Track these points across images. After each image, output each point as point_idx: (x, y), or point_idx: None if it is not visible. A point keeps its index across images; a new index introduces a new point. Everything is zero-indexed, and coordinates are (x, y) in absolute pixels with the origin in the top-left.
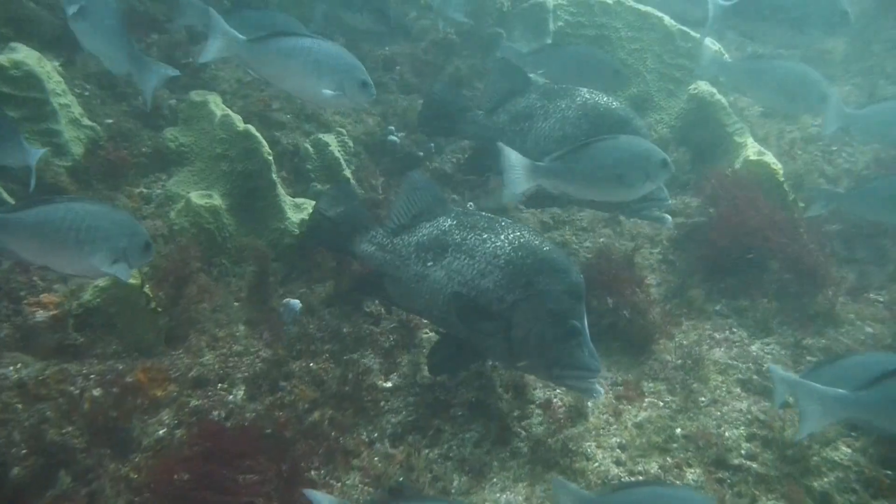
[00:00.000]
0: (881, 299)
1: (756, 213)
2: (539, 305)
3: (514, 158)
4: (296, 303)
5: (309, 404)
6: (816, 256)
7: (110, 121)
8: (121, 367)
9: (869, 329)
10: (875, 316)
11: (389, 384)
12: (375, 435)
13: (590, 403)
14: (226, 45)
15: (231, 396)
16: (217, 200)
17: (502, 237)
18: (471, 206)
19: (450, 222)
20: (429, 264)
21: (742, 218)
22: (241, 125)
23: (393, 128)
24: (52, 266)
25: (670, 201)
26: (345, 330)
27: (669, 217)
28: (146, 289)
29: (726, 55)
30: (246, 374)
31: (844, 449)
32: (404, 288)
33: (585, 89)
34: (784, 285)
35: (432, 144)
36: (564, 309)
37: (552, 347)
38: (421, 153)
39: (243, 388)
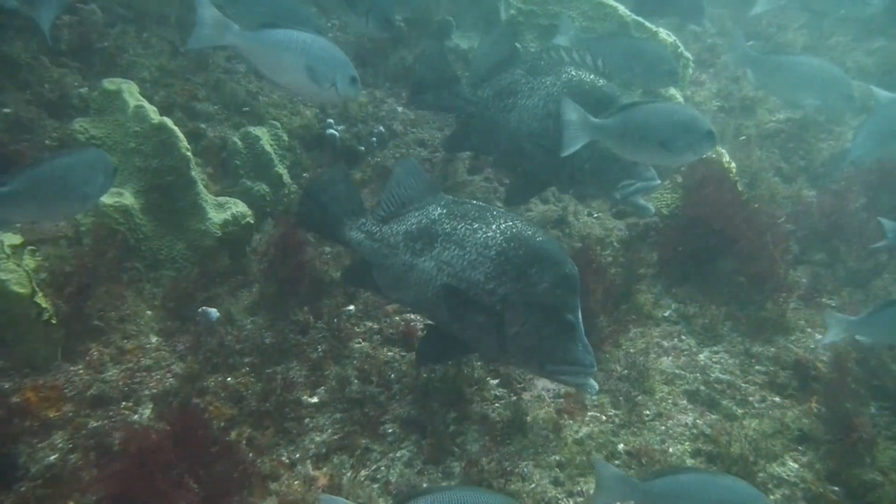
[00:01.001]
0: (833, 304)
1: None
2: (532, 298)
3: (573, 112)
4: (212, 311)
5: (225, 423)
6: (773, 255)
7: (8, 110)
8: (6, 386)
9: (819, 336)
10: (825, 323)
11: (315, 399)
12: (297, 456)
13: (529, 419)
14: (218, 33)
15: (136, 416)
16: (129, 199)
17: (493, 227)
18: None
19: (440, 211)
20: (417, 254)
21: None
22: (155, 117)
23: (332, 120)
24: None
25: (658, 181)
26: (268, 340)
27: (651, 207)
28: (38, 298)
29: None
30: (154, 390)
31: (791, 464)
32: (393, 278)
33: (573, 66)
34: (734, 291)
35: (374, 138)
36: (558, 302)
37: (545, 342)
38: (362, 147)
39: (150, 406)
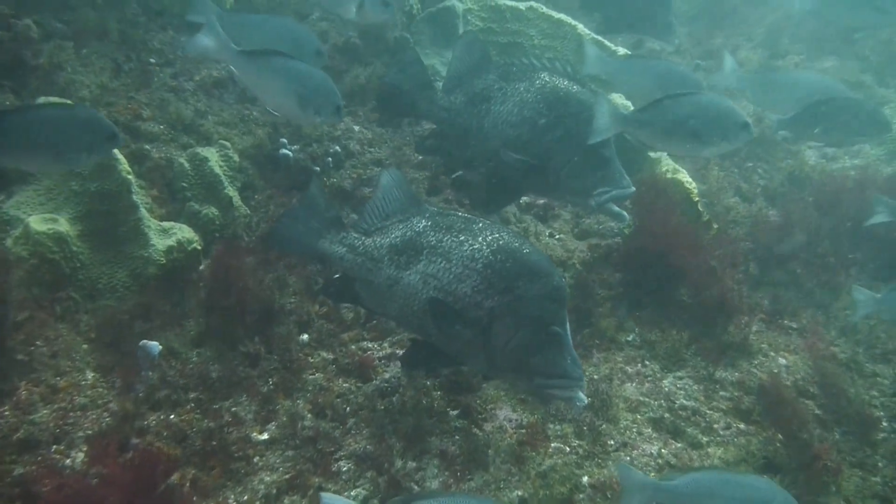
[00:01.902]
0: (794, 325)
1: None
2: (519, 311)
3: (604, 106)
4: (154, 345)
5: (167, 464)
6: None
7: None
8: None
9: (782, 360)
10: (788, 346)
11: (265, 436)
12: (245, 498)
13: (491, 451)
14: (216, 49)
15: (68, 460)
16: (63, 226)
17: (480, 239)
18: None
19: (424, 223)
20: (403, 267)
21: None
22: None
23: (285, 140)
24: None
25: (633, 188)
26: (214, 374)
27: (626, 216)
28: None
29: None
30: (89, 431)
31: None
32: (377, 293)
33: (546, 71)
34: (695, 315)
35: (329, 159)
36: (546, 314)
37: (533, 356)
38: (317, 168)
39: (84, 448)
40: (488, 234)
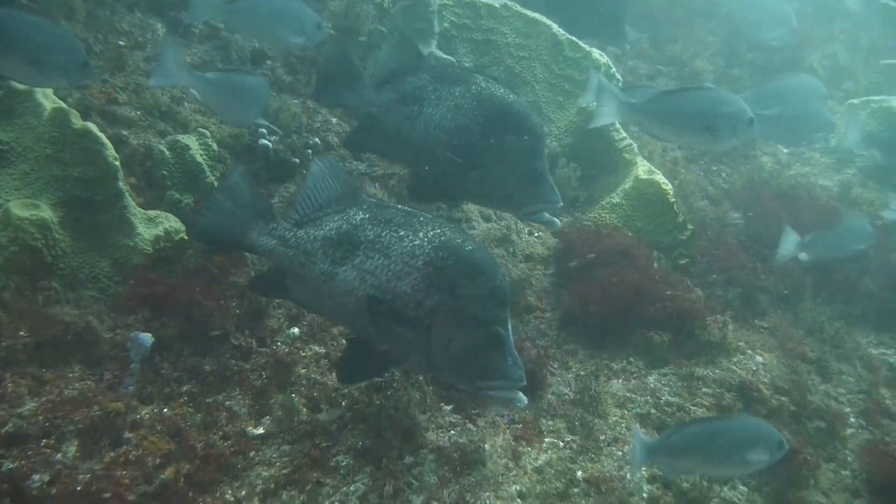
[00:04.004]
0: (765, 325)
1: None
2: (461, 311)
3: (608, 90)
4: (146, 336)
5: (161, 459)
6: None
7: None
8: None
9: (759, 358)
10: (764, 345)
11: (261, 430)
12: (243, 493)
13: (488, 446)
14: (179, 73)
15: (59, 455)
16: (46, 212)
17: (421, 234)
18: None
19: (361, 215)
20: (338, 263)
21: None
22: (78, 122)
23: (264, 130)
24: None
25: (561, 203)
26: (207, 367)
27: (558, 221)
28: None
29: None
30: (80, 425)
31: (741, 488)
32: (310, 288)
33: (482, 76)
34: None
35: (309, 150)
36: (488, 315)
37: (475, 357)
38: (297, 160)
39: (76, 443)
40: (430, 229)
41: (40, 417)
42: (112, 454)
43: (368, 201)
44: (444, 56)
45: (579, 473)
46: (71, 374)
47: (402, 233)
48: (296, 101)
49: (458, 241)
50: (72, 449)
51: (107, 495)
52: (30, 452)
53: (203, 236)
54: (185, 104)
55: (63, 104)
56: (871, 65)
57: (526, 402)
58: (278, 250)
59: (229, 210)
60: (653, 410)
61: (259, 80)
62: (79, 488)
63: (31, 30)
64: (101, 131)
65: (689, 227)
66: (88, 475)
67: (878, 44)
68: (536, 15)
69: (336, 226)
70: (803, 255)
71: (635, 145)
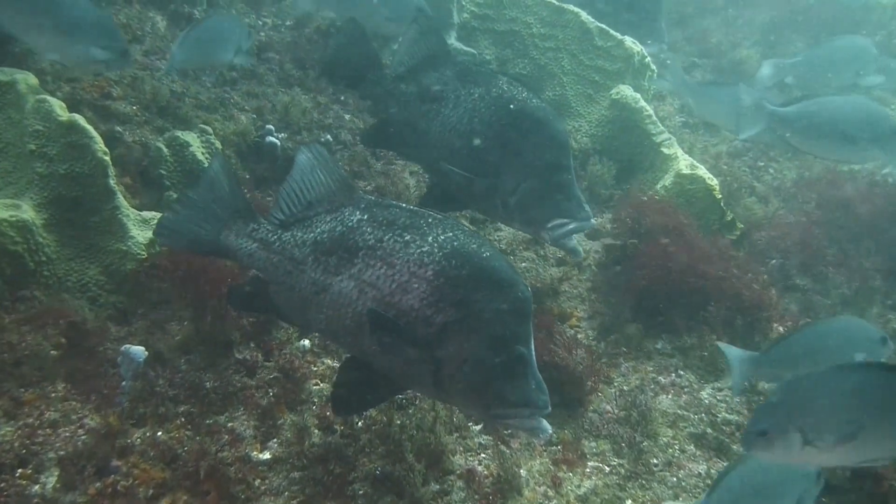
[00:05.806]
0: None
1: (685, 248)
2: (477, 329)
3: (749, 97)
4: (138, 350)
5: (154, 489)
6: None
7: None
8: None
9: None
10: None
11: (267, 455)
12: None
13: (524, 472)
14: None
15: (36, 487)
16: (28, 213)
17: (430, 239)
18: None
19: (359, 216)
20: (332, 272)
21: (668, 257)
22: (63, 114)
23: (272, 127)
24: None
25: (593, 221)
26: (207, 384)
27: (581, 251)
28: None
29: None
30: (62, 451)
31: None
32: (298, 301)
33: (506, 77)
34: (728, 319)
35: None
36: (508, 332)
37: (492, 381)
38: None
39: (56, 472)
40: (440, 232)
41: (16, 444)
42: (98, 485)
43: (366, 199)
44: (465, 48)
45: (629, 503)
46: (53, 394)
47: (407, 237)
48: (306, 95)
49: (473, 246)
50: (51, 479)
51: None
52: (2, 485)
53: (168, 237)
54: (186, 99)
55: (47, 95)
56: None
57: (550, 432)
58: (259, 255)
59: (203, 206)
60: (709, 430)
61: (233, 18)
62: None
63: (75, 10)
64: (90, 125)
65: (739, 225)
66: None
67: None
68: (563, 3)
69: (329, 228)
70: (789, 79)
71: (673, 138)
